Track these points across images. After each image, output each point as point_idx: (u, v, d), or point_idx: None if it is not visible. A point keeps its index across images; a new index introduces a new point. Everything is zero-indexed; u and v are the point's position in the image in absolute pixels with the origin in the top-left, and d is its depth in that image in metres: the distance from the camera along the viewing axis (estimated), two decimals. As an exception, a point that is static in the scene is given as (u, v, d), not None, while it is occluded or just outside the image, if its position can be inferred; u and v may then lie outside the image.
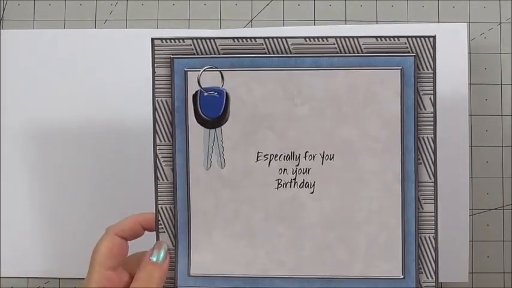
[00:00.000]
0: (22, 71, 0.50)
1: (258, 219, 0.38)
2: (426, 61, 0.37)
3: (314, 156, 0.38)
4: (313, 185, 0.38)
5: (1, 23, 0.51)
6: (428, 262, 0.38)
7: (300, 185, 0.38)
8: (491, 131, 0.52)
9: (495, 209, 0.51)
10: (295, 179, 0.38)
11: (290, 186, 0.38)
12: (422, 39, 0.37)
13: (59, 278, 0.50)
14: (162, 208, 0.38)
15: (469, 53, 0.52)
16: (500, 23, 0.52)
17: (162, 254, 0.37)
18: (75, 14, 0.52)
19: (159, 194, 0.38)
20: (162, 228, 0.38)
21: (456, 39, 0.50)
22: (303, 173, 0.38)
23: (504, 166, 0.52)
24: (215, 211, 0.38)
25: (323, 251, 0.38)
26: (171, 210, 0.38)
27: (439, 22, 0.52)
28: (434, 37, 0.37)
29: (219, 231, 0.38)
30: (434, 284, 0.38)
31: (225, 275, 0.38)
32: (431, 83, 0.37)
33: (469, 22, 0.52)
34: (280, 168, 0.38)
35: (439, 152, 0.49)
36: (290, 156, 0.38)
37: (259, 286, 0.38)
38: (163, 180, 0.38)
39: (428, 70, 0.37)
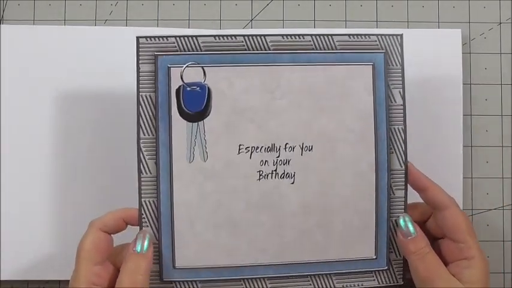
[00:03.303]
0: (21, 68, 0.49)
1: (240, 210, 0.40)
2: (395, 57, 0.41)
3: (294, 148, 0.40)
4: (293, 175, 0.40)
5: (1, 23, 0.51)
6: (396, 241, 0.41)
7: (280, 176, 0.40)
8: (491, 131, 0.52)
9: (495, 209, 0.51)
10: (276, 170, 0.40)
11: (271, 177, 0.40)
12: (391, 37, 0.41)
13: (59, 281, 0.50)
14: (145, 202, 0.39)
15: (469, 53, 0.52)
16: (500, 23, 0.52)
17: (145, 244, 0.37)
18: (75, 14, 0.51)
19: (142, 187, 0.39)
20: (146, 222, 0.39)
21: (451, 43, 0.51)
22: (284, 164, 0.40)
23: (504, 166, 0.52)
24: (198, 203, 0.39)
25: (303, 237, 0.40)
26: (154, 203, 0.39)
27: (439, 22, 0.52)
28: (401, 35, 0.41)
29: (203, 223, 0.39)
30: (401, 260, 0.41)
31: (210, 266, 0.40)
32: (400, 77, 0.41)
33: (469, 22, 0.52)
34: (262, 160, 0.40)
35: (432, 153, 0.49)
36: (271, 148, 0.40)
37: (243, 275, 0.40)
38: (147, 174, 0.39)
39: (397, 65, 0.41)
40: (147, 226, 0.39)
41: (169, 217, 0.39)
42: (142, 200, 0.39)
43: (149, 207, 0.39)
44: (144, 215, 0.39)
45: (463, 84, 0.51)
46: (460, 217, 0.39)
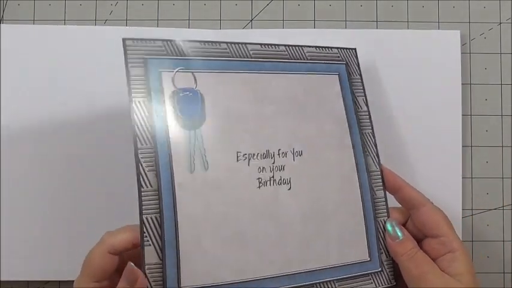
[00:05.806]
0: (20, 67, 0.49)
1: (247, 221, 0.39)
2: (354, 68, 0.44)
3: (286, 153, 0.41)
4: (289, 181, 0.40)
5: (1, 23, 0.51)
6: (384, 242, 0.41)
7: (278, 182, 0.40)
8: (491, 131, 0.52)
9: (495, 209, 0.51)
10: (273, 177, 0.40)
11: (270, 184, 0.40)
12: (347, 50, 0.44)
13: (59, 281, 0.50)
14: (147, 218, 0.36)
15: (469, 53, 0.52)
16: (500, 23, 0.52)
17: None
18: (75, 14, 0.51)
19: (143, 202, 0.37)
20: (148, 241, 0.36)
21: (450, 44, 0.52)
22: (279, 170, 0.40)
23: (504, 166, 0.52)
24: (203, 216, 0.38)
25: (304, 245, 0.40)
26: (156, 220, 0.36)
27: (438, 22, 0.52)
28: (355, 49, 0.44)
29: (210, 238, 0.38)
30: (391, 261, 0.41)
31: (218, 284, 0.37)
32: (361, 86, 0.43)
33: (469, 22, 0.52)
34: (259, 167, 0.40)
35: (432, 153, 0.49)
36: (266, 155, 0.40)
37: None
38: (147, 187, 0.36)
39: (356, 76, 0.43)
40: (150, 245, 0.36)
41: (173, 233, 0.36)
42: (144, 216, 0.36)
43: (151, 224, 0.36)
44: (146, 233, 0.36)
45: (463, 84, 0.52)
46: (437, 212, 0.40)
